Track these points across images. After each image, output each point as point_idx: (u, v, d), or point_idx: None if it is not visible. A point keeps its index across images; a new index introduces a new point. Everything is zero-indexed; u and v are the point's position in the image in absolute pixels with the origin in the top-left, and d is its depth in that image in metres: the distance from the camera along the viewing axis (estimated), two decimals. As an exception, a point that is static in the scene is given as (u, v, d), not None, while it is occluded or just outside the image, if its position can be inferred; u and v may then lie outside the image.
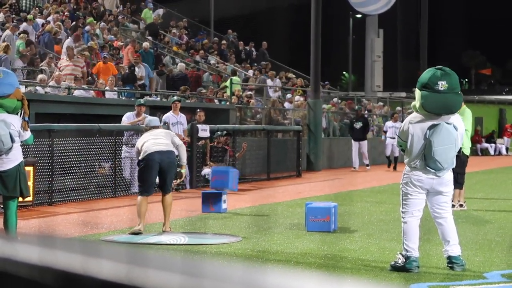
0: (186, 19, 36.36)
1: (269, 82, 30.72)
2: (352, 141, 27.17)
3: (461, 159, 12.35)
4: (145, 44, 26.54)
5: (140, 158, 11.00)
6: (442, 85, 7.80)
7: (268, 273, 0.96)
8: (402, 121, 28.93)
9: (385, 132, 27.90)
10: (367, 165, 27.16)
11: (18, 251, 1.24)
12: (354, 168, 26.96)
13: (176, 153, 11.20)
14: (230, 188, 14.27)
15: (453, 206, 14.11)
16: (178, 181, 11.62)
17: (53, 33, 24.03)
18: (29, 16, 24.44)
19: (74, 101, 18.86)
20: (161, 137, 11.07)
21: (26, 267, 1.19)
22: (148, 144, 10.94)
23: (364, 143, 26.98)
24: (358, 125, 26.98)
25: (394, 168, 27.10)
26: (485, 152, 46.47)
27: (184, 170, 11.55)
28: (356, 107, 29.53)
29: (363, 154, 27.08)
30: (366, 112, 35.14)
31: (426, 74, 7.96)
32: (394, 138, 27.04)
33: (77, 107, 18.65)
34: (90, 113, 18.73)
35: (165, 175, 10.96)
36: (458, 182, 13.56)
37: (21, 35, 22.44)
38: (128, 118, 17.36)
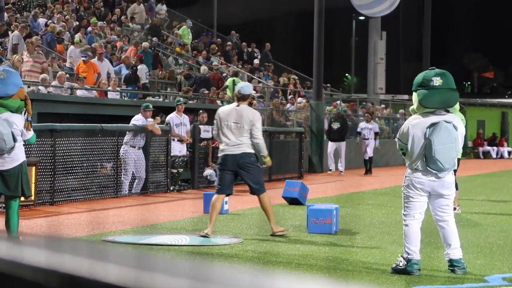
0: (189, 20, 36.36)
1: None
2: (329, 142, 26.09)
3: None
4: (145, 44, 26.51)
5: (218, 154, 10.86)
6: (436, 80, 7.91)
7: (276, 278, 0.96)
8: (376, 122, 28.41)
9: (359, 133, 26.88)
10: (341, 171, 25.88)
11: (23, 253, 1.24)
12: (330, 170, 25.90)
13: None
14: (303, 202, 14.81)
15: (454, 209, 14.17)
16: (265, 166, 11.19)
17: (57, 33, 24.03)
18: (72, 44, 23.96)
19: (77, 101, 18.87)
20: (242, 133, 10.50)
21: (31, 269, 1.19)
22: (225, 145, 10.60)
23: (342, 145, 25.89)
24: (336, 125, 25.91)
25: (369, 171, 26.17)
26: (487, 155, 46.46)
27: (268, 159, 11.15)
28: (336, 109, 27.90)
29: (340, 156, 26.01)
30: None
31: (420, 75, 8.13)
32: (368, 139, 26.63)
33: (80, 107, 18.66)
34: (92, 113, 18.72)
35: (244, 178, 10.72)
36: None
37: (35, 38, 22.45)
38: (137, 122, 17.11)
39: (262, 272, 0.99)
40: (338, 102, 32.20)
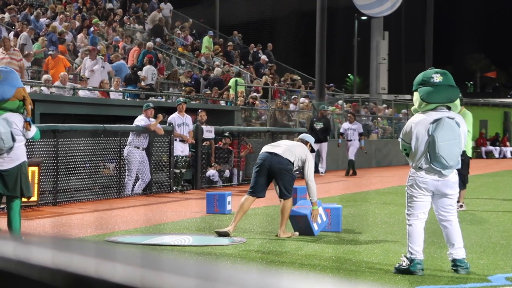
0: (192, 20, 36.38)
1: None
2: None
3: (465, 161, 12.38)
4: (149, 44, 26.52)
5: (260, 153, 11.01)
6: (437, 77, 7.96)
7: (283, 278, 0.97)
8: (359, 122, 27.74)
9: (342, 134, 26.07)
10: (321, 172, 24.94)
11: (29, 253, 1.24)
12: (322, 173, 25.05)
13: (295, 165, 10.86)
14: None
15: (461, 206, 14.16)
16: (313, 220, 10.85)
17: (59, 33, 24.03)
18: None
19: (79, 101, 18.88)
20: (290, 145, 10.87)
21: (38, 269, 1.19)
22: (267, 146, 10.96)
23: (325, 145, 25.04)
24: (319, 125, 24.94)
25: (354, 173, 25.38)
26: (490, 155, 46.44)
27: (316, 208, 10.78)
28: (320, 106, 26.39)
29: (322, 157, 25.16)
30: (369, 114, 35.04)
31: (420, 75, 8.19)
32: (350, 140, 25.97)
33: (82, 107, 18.67)
34: (95, 113, 18.73)
35: (276, 180, 10.73)
36: (464, 183, 13.72)
37: (41, 38, 22.43)
38: (140, 123, 17.06)
39: (268, 272, 0.99)
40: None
